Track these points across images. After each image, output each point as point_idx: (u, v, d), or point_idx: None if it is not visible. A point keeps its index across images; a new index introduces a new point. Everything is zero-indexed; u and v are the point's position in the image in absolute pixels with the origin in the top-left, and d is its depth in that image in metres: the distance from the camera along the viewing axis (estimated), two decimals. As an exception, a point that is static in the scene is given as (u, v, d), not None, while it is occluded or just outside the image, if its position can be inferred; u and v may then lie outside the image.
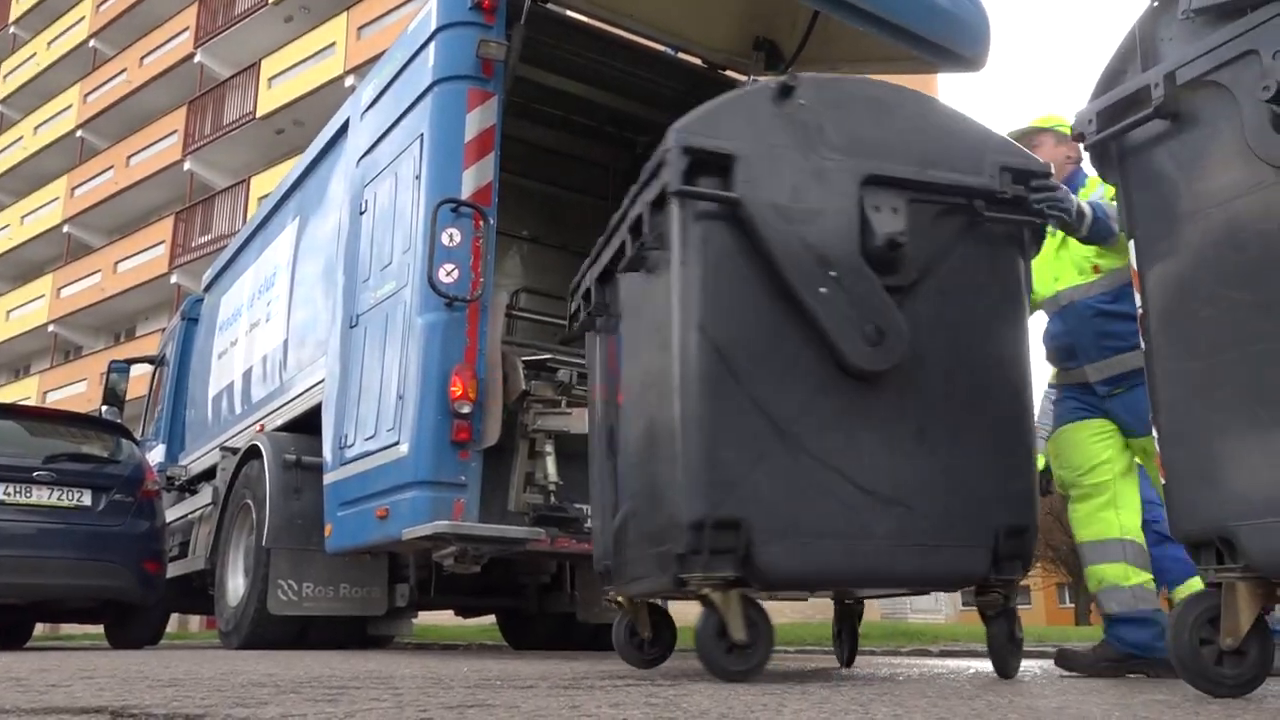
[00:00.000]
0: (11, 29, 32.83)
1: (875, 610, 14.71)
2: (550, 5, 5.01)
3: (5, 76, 32.41)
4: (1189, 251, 2.29)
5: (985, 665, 3.00)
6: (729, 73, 5.73)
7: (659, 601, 3.32)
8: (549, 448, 4.44)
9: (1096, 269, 3.46)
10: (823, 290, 2.48)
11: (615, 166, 6.54)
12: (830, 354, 2.50)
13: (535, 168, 6.22)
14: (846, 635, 3.44)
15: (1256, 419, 2.08)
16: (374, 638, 6.60)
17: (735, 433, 2.44)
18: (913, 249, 2.57)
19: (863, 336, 2.49)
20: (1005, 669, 2.78)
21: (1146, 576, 3.32)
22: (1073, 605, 34.51)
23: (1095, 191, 3.45)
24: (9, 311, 29.08)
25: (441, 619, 10.39)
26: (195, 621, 16.24)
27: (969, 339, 2.66)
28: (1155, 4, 2.43)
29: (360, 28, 21.23)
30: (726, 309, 2.48)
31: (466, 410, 4.18)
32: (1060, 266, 3.56)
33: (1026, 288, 2.78)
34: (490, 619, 8.54)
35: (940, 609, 20.25)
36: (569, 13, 5.20)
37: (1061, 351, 3.60)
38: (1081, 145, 2.56)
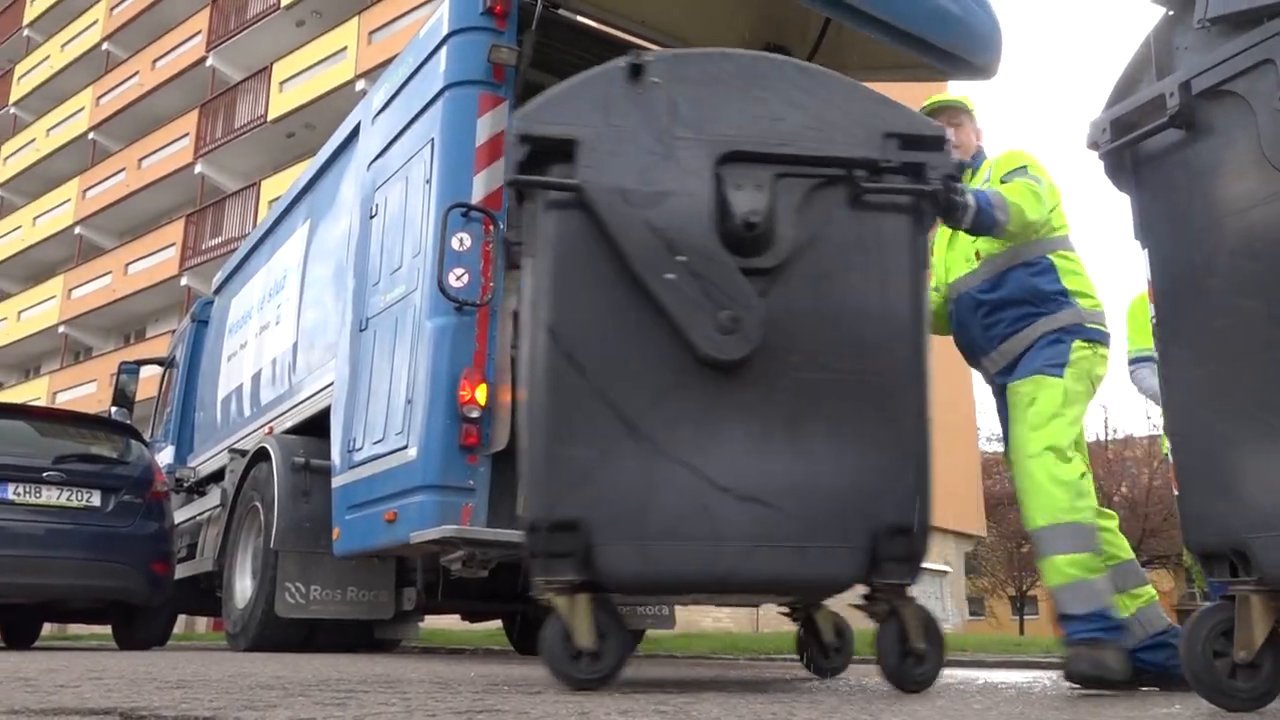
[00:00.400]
0: (25, 32, 33.00)
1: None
2: (561, 10, 5.02)
3: (19, 79, 32.56)
4: (1203, 261, 2.28)
5: (996, 675, 2.98)
6: (740, 79, 5.73)
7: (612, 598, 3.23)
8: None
9: (977, 255, 3.30)
10: (669, 277, 2.34)
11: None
12: (687, 345, 2.37)
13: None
14: (814, 646, 3.14)
15: (1270, 429, 2.07)
16: (380, 641, 6.60)
17: (579, 430, 2.32)
18: (782, 227, 2.42)
19: (715, 324, 2.34)
20: (901, 682, 2.50)
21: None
22: (1080, 615, 34.28)
23: (983, 178, 3.34)
24: (20, 312, 29.22)
25: (447, 623, 10.38)
26: (202, 623, 16.26)
27: (850, 323, 2.46)
28: (1170, 13, 2.44)
29: (371, 32, 21.30)
30: (575, 301, 2.38)
31: (475, 415, 4.17)
32: (951, 257, 3.41)
33: (922, 263, 2.56)
34: (496, 624, 8.53)
35: (947, 618, 20.16)
36: (580, 18, 5.21)
37: (965, 349, 3.44)
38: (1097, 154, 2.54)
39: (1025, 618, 38.50)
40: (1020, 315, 3.19)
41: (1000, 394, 3.29)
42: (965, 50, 4.76)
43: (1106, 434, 33.46)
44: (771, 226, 2.41)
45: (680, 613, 7.25)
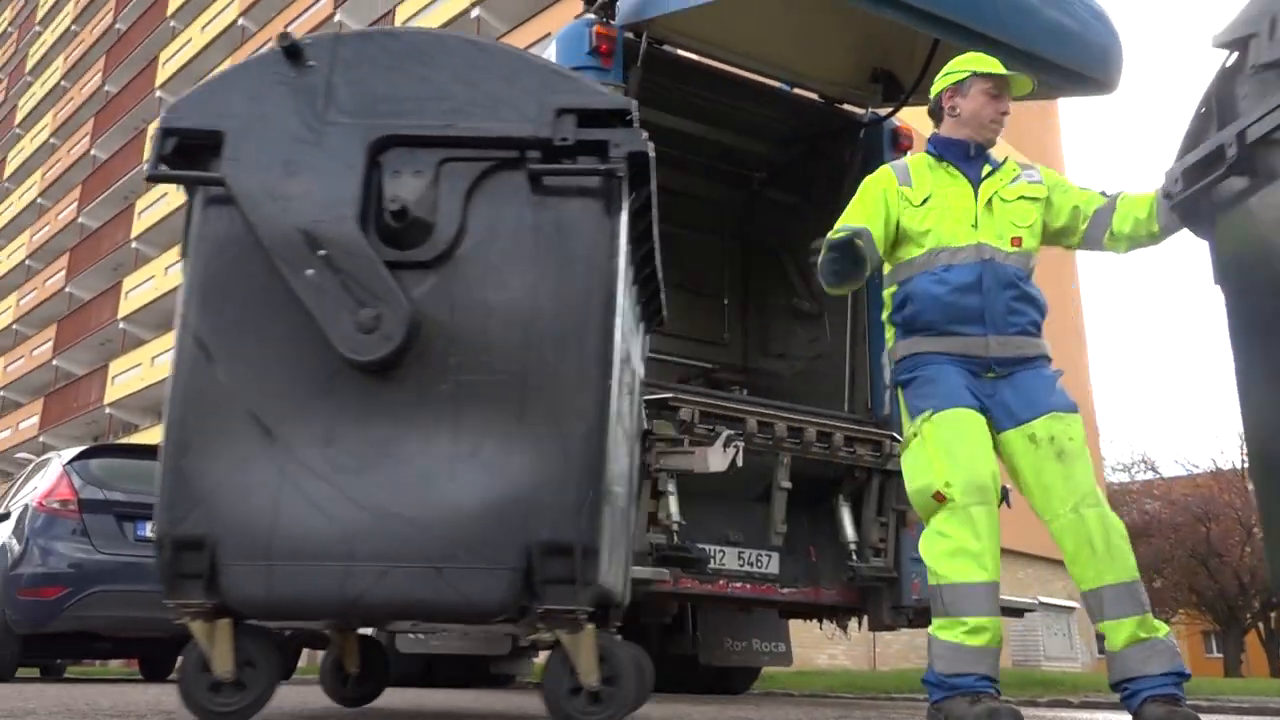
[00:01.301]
0: (170, 23, 34.78)
1: (1006, 658, 14.12)
2: (665, 47, 5.05)
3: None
4: (1275, 305, 2.28)
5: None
6: (846, 106, 5.66)
7: (372, 633, 3.08)
8: (671, 487, 4.40)
9: (1017, 242, 3.02)
10: (310, 273, 2.17)
11: (732, 203, 6.53)
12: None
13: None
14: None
15: None
16: (496, 676, 6.65)
17: (213, 441, 2.16)
18: (445, 217, 2.23)
19: (355, 322, 2.15)
20: None
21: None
22: (1220, 655, 32.47)
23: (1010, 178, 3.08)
24: (154, 358, 30.77)
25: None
26: (319, 656, 16.68)
27: (519, 320, 2.22)
28: (1229, 63, 2.47)
29: (478, 78, 21.89)
30: (221, 304, 2.23)
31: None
32: (988, 218, 3.02)
33: (610, 252, 2.30)
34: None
35: (1076, 656, 19.27)
36: (684, 53, 5.24)
37: (965, 311, 2.96)
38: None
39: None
40: (1036, 322, 3.02)
41: (980, 372, 2.95)
42: (1083, 65, 4.60)
43: (1244, 460, 31.78)
44: (431, 216, 2.22)
45: (796, 650, 7.11)
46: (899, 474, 3.22)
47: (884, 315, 3.16)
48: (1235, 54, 2.45)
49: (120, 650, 8.81)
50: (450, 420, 2.16)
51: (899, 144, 5.55)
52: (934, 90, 3.25)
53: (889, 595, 5.02)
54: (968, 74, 3.13)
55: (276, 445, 2.14)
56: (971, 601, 2.67)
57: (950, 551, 2.70)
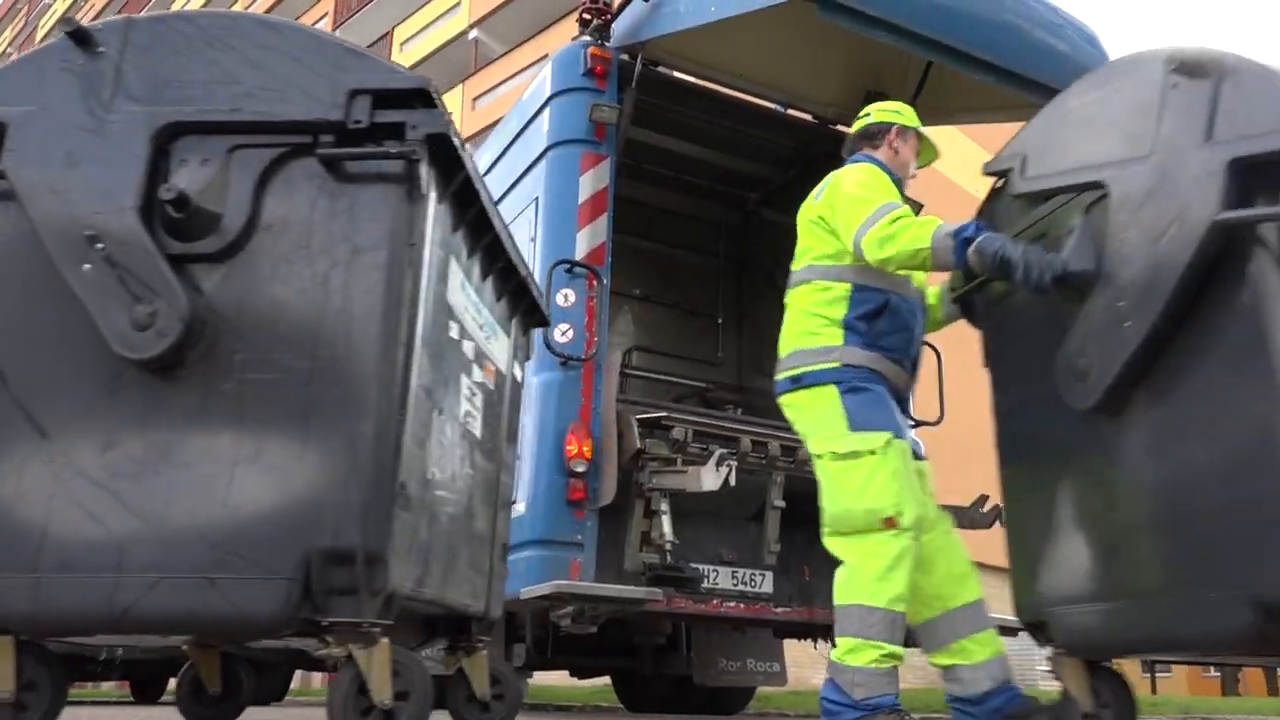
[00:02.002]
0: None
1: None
2: (660, 68, 5.09)
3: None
4: (1022, 390, 2.87)
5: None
6: (839, 127, 5.69)
7: (235, 649, 2.94)
8: (664, 506, 4.40)
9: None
10: (87, 268, 2.06)
11: (726, 223, 6.55)
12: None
13: (647, 227, 6.28)
14: (460, 695, 2.86)
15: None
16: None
17: None
18: (233, 207, 2.12)
19: (130, 319, 2.04)
20: None
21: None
22: (1218, 674, 32.36)
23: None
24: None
25: (555, 679, 10.35)
26: (318, 678, 16.58)
27: (308, 314, 2.10)
28: (997, 185, 2.94)
29: (475, 98, 22.02)
30: (3, 303, 2.15)
31: (582, 469, 4.19)
32: None
33: (405, 240, 2.17)
34: (604, 680, 8.46)
35: (1169, 671, 19.09)
36: (679, 74, 5.27)
37: (908, 343, 3.02)
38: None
39: (1156, 675, 36.39)
40: None
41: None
42: (1073, 87, 4.63)
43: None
44: (220, 206, 2.12)
45: (791, 669, 7.08)
46: None
47: (830, 310, 2.97)
48: (1001, 180, 2.89)
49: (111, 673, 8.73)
50: (233, 422, 2.04)
51: (892, 165, 5.58)
52: (882, 118, 3.30)
53: (883, 615, 4.99)
54: (914, 127, 3.27)
55: (53, 450, 2.04)
56: (897, 630, 2.66)
57: (887, 576, 2.67)
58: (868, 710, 2.59)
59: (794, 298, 3.12)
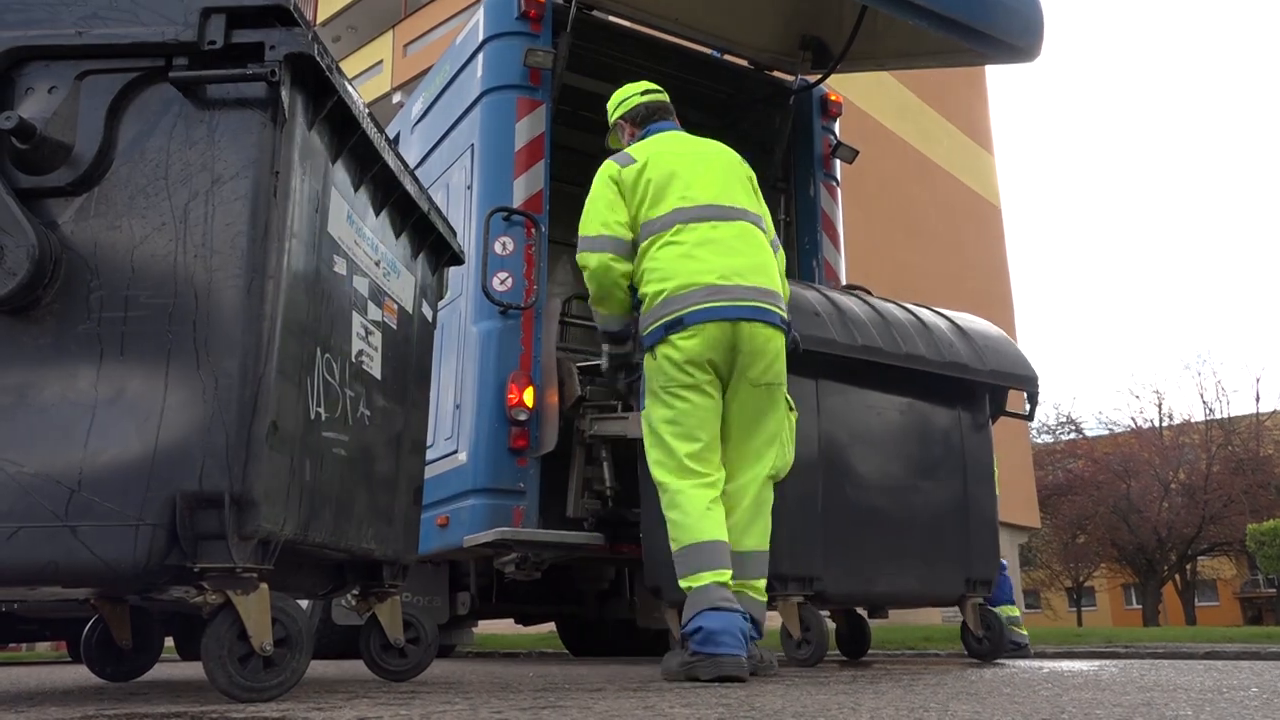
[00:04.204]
0: None
1: (936, 614, 14.51)
2: (595, 12, 5.03)
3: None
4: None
5: (1061, 664, 2.91)
6: (776, 73, 5.70)
7: (143, 601, 2.78)
8: (605, 453, 4.44)
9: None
10: None
11: (664, 171, 6.54)
12: None
13: (585, 174, 6.24)
14: (375, 642, 2.91)
15: None
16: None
17: None
18: (84, 137, 2.02)
19: None
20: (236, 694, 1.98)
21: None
22: (1140, 606, 33.78)
23: None
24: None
25: (500, 628, 10.44)
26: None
27: (164, 247, 1.99)
28: None
29: (406, 45, 21.53)
30: None
31: (523, 417, 4.19)
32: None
33: (268, 168, 2.05)
34: (549, 627, 8.56)
35: (1095, 606, 19.79)
36: (614, 19, 5.21)
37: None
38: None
39: (1083, 609, 37.73)
40: None
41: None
42: (1005, 32, 4.69)
43: (1161, 420, 32.90)
44: (70, 137, 2.02)
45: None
46: None
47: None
48: None
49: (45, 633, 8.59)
50: (92, 362, 1.95)
51: (828, 110, 5.61)
52: (619, 114, 3.99)
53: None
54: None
55: None
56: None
57: None
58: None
59: (758, 240, 3.28)
